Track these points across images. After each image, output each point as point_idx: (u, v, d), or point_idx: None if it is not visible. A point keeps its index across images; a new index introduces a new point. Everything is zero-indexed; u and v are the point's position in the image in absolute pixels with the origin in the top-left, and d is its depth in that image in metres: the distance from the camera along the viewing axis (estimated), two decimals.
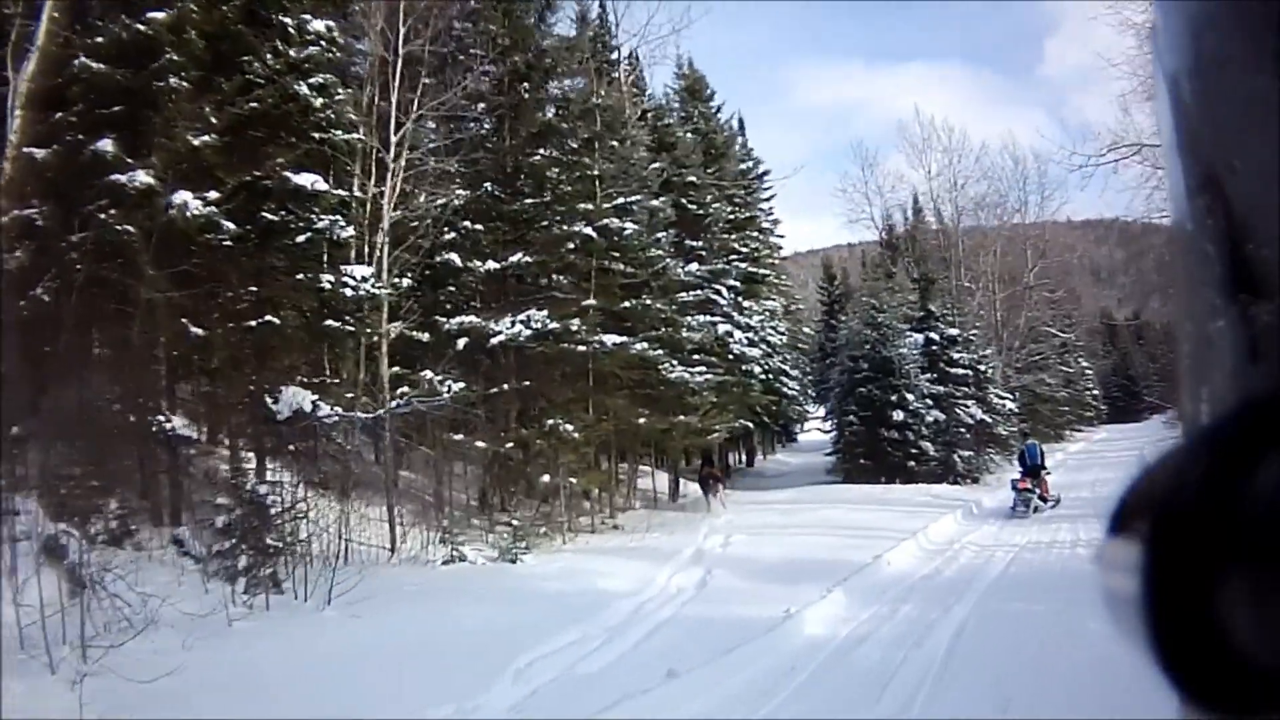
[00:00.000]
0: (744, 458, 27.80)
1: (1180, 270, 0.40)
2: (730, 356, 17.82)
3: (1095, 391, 48.83)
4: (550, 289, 14.47)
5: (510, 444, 13.53)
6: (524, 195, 14.67)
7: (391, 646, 6.68)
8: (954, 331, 23.72)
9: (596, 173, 15.05)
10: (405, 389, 12.45)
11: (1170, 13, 0.39)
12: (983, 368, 24.44)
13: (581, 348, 13.33)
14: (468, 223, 14.02)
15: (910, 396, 21.11)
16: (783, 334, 23.41)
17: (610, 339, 13.72)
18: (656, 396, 15.01)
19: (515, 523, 11.77)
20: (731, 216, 21.98)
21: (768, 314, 22.32)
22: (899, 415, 20.84)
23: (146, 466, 9.85)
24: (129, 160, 9.40)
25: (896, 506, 15.73)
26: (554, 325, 13.16)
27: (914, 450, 20.91)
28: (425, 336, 13.69)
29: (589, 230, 14.06)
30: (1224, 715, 0.27)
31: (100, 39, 9.73)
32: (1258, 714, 0.26)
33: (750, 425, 19.04)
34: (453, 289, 14.32)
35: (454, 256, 13.91)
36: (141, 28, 9.59)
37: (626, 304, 14.61)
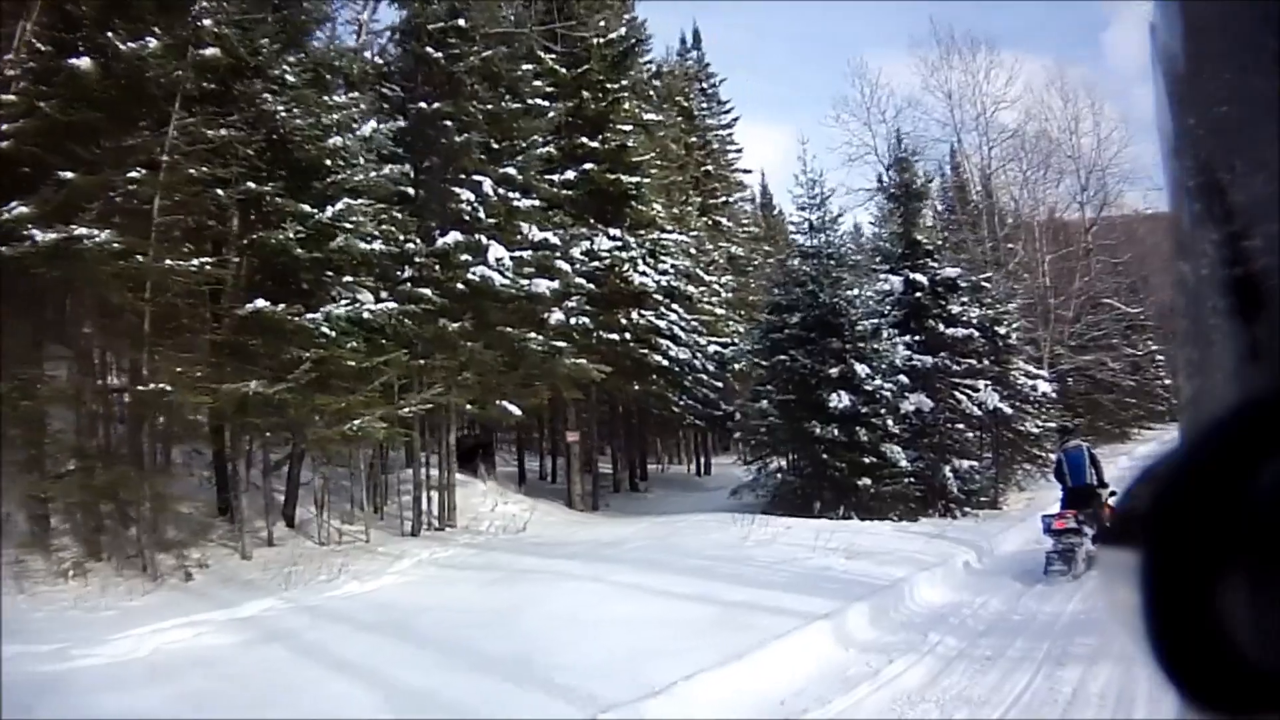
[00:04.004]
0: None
1: (1180, 270, 0.39)
2: (461, 287, 9.46)
3: (1166, 381, 39.43)
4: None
5: None
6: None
7: None
8: (952, 272, 14.97)
9: None
10: None
11: (1170, 12, 0.39)
12: (1003, 330, 15.57)
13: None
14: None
15: (863, 370, 12.51)
16: (667, 270, 14.71)
17: (47, 237, 5.86)
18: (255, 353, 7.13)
19: None
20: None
21: (638, 240, 13.74)
22: (841, 400, 12.25)
23: None
24: None
25: (740, 585, 7.34)
26: None
27: (867, 461, 12.27)
28: None
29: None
30: (1224, 715, 0.27)
31: None
32: (1258, 714, 0.26)
33: (511, 411, 10.40)
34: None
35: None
36: None
37: (135, 173, 6.82)
